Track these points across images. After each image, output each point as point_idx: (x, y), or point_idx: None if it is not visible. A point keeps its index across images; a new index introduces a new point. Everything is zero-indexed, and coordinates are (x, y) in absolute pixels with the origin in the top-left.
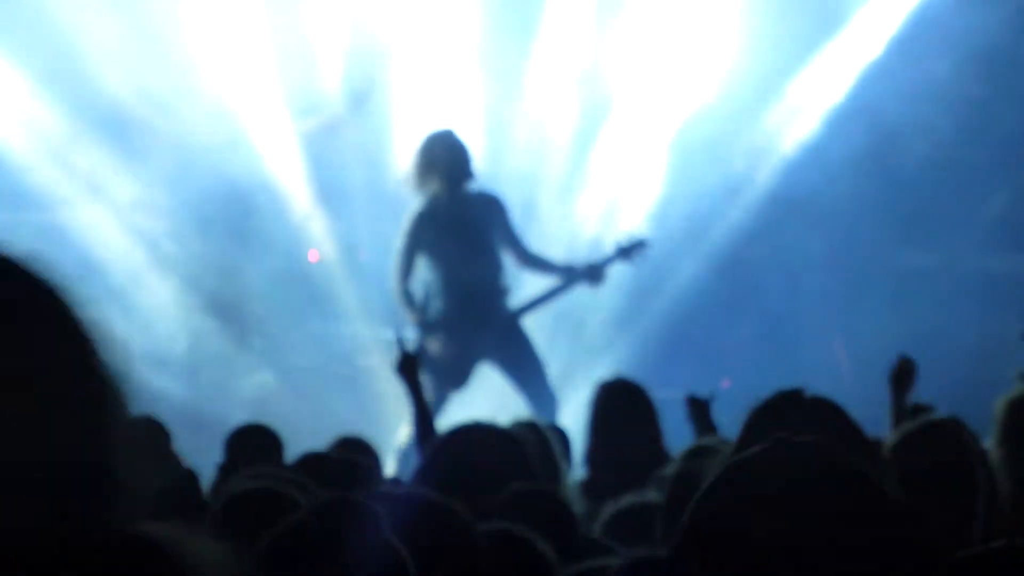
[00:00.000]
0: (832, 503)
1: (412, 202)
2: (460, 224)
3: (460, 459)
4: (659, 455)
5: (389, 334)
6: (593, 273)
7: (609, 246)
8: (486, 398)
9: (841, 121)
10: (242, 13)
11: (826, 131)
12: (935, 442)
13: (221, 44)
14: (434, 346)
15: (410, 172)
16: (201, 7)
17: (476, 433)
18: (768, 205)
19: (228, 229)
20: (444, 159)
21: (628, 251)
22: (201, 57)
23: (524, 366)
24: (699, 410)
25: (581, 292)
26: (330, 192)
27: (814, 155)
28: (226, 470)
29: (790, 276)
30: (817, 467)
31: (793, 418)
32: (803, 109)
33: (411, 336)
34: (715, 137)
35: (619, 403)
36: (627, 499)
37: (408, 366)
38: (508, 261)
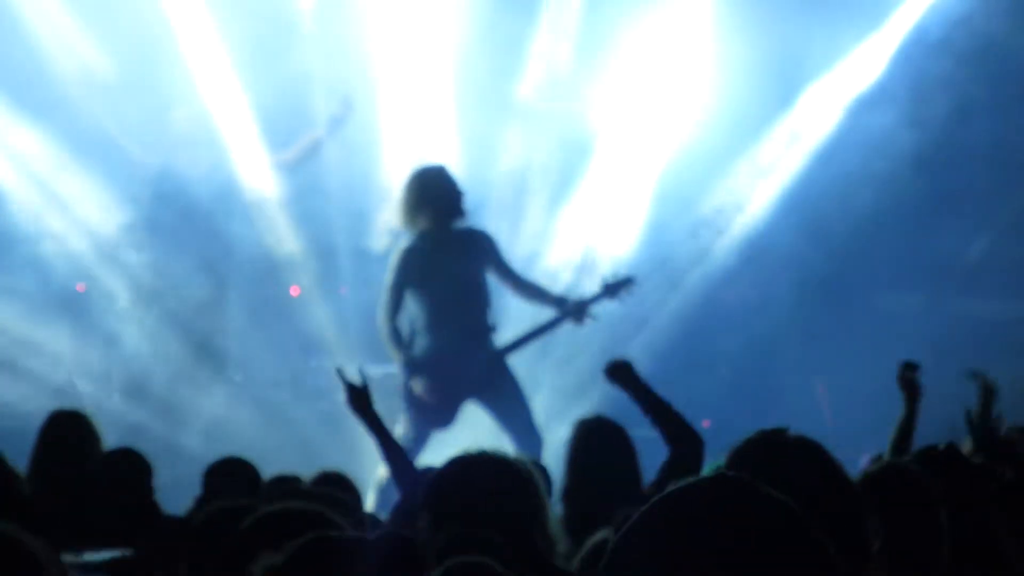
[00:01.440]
0: (750, 540)
1: (395, 239)
2: (449, 261)
3: (461, 490)
4: (637, 492)
5: (378, 367)
6: (579, 310)
7: (594, 285)
8: (468, 436)
9: (816, 168)
10: (220, 42)
11: (799, 180)
12: (901, 483)
13: (203, 72)
14: (419, 384)
15: (399, 206)
16: (181, 32)
17: (479, 462)
18: (746, 247)
19: (208, 261)
20: (435, 195)
21: (615, 288)
22: (183, 85)
23: (510, 405)
24: (623, 373)
25: (565, 330)
26: (312, 225)
27: (790, 200)
28: (204, 502)
29: (769, 316)
30: (742, 503)
31: (774, 457)
32: (778, 157)
33: (361, 370)
34: (689, 183)
35: (597, 441)
36: (602, 534)
37: (358, 400)
38: (505, 289)
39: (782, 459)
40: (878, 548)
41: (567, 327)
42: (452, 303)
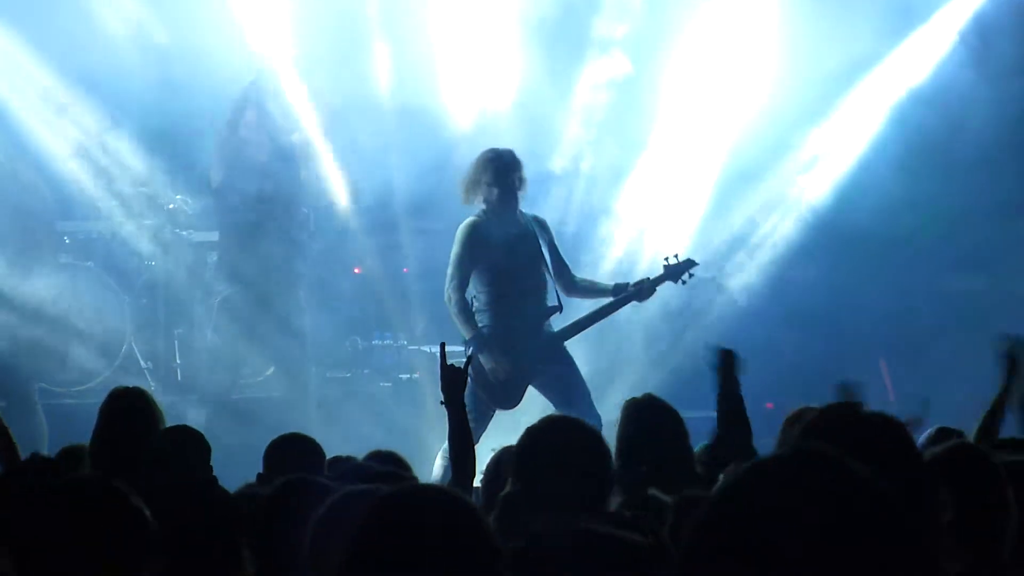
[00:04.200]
0: (839, 515)
1: (459, 215)
2: (513, 239)
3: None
4: (688, 473)
5: (434, 348)
6: (641, 291)
7: (658, 266)
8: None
9: (881, 150)
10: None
11: (864, 162)
12: (963, 462)
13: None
14: (488, 361)
15: (466, 182)
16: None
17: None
18: (816, 225)
19: (275, 241)
20: (502, 174)
21: (677, 271)
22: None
23: (569, 387)
24: (726, 361)
25: (619, 313)
26: (376, 205)
27: (861, 176)
28: (265, 480)
29: (836, 297)
30: (829, 477)
31: (848, 431)
32: (843, 138)
33: (461, 351)
34: (756, 161)
35: (649, 420)
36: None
37: (454, 381)
38: (556, 282)
39: (855, 433)
40: (948, 521)
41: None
42: (517, 281)
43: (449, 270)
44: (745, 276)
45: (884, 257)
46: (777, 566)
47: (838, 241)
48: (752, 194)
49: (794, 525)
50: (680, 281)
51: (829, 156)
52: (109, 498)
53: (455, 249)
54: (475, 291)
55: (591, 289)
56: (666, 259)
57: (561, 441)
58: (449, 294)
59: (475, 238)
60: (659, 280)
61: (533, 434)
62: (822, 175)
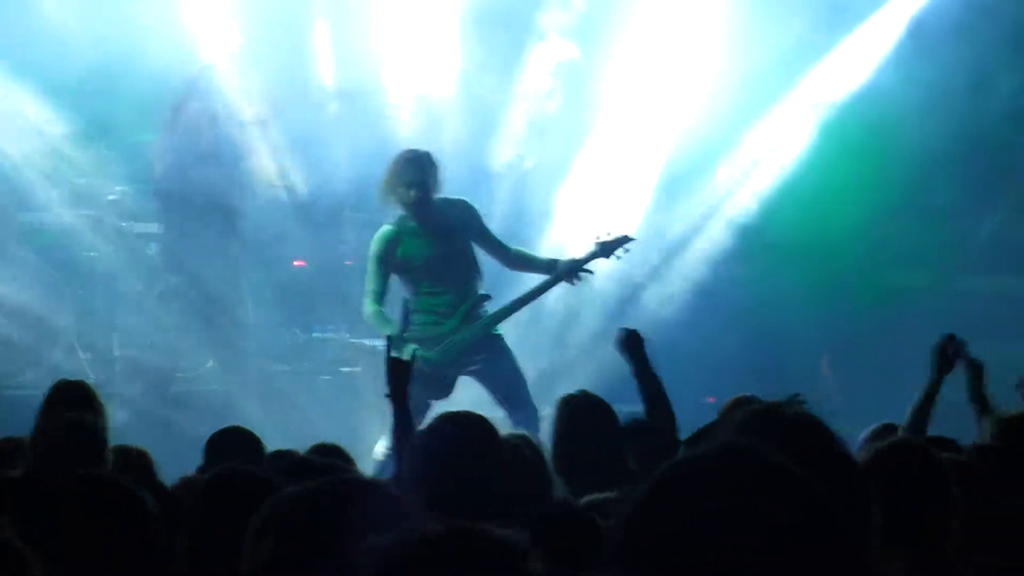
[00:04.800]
0: (769, 513)
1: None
2: (435, 234)
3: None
4: (622, 468)
5: (381, 342)
6: (572, 269)
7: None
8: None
9: (822, 146)
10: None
11: (805, 160)
12: (908, 459)
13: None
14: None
15: (383, 185)
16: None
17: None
18: (756, 223)
19: (217, 232)
20: (411, 170)
21: (610, 247)
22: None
23: (506, 378)
24: (630, 341)
25: (562, 302)
26: (319, 197)
27: (794, 179)
28: (205, 472)
29: (775, 292)
30: (756, 472)
31: (772, 430)
32: (782, 140)
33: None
34: (697, 162)
35: (582, 417)
36: (590, 496)
37: (400, 374)
38: (492, 258)
39: (780, 432)
40: (881, 522)
41: (562, 295)
42: (440, 277)
43: (365, 282)
44: (684, 273)
45: (824, 254)
46: (705, 566)
47: (777, 238)
48: (692, 191)
49: (723, 523)
50: (614, 256)
51: (768, 153)
52: (118, 497)
53: (369, 262)
54: (405, 294)
55: (529, 263)
56: (598, 237)
57: (446, 444)
58: (363, 307)
59: (387, 248)
60: (590, 257)
61: (425, 434)
62: (762, 173)
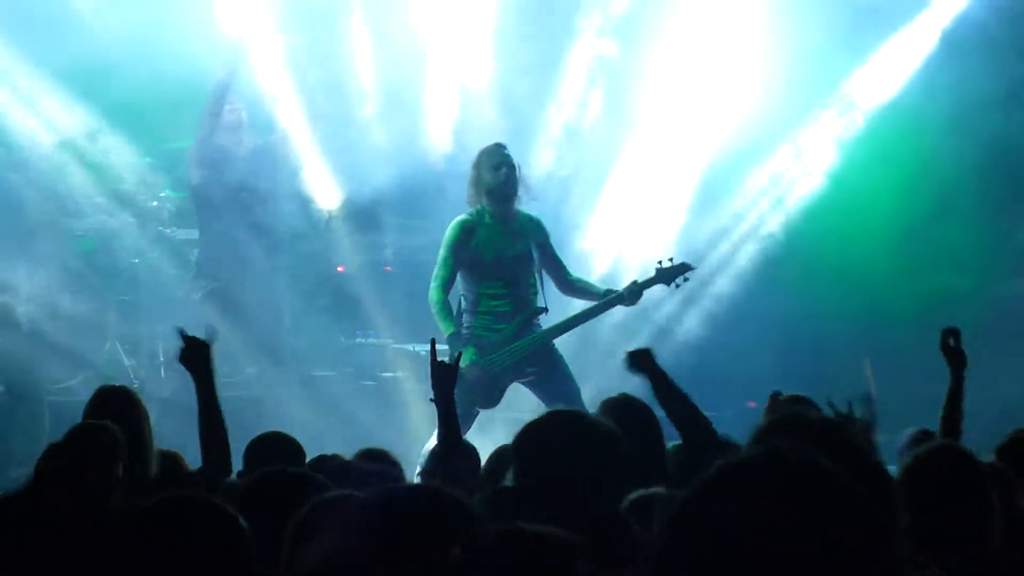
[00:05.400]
0: (811, 515)
1: (442, 213)
2: (503, 240)
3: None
4: (661, 472)
5: (423, 346)
6: (632, 293)
7: (648, 270)
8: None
9: (862, 151)
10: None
11: (845, 163)
12: (948, 464)
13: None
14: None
15: (470, 181)
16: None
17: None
18: (795, 229)
19: (256, 238)
20: (498, 154)
21: (670, 274)
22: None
23: (561, 388)
24: (642, 363)
25: (612, 313)
26: (359, 202)
27: (836, 183)
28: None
29: (817, 296)
30: (802, 477)
31: (796, 435)
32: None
33: (447, 347)
34: (735, 164)
35: (623, 421)
36: (636, 493)
37: (445, 377)
38: (552, 280)
39: (803, 437)
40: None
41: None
42: (503, 282)
43: (435, 268)
44: (724, 279)
45: (862, 260)
46: (748, 568)
47: (814, 246)
48: (729, 200)
49: (765, 526)
50: (674, 285)
51: (804, 161)
52: (211, 517)
53: (441, 248)
54: (462, 290)
55: (584, 291)
56: (659, 262)
57: (560, 436)
58: (431, 293)
59: (461, 238)
60: (649, 283)
61: (532, 428)
62: (802, 177)
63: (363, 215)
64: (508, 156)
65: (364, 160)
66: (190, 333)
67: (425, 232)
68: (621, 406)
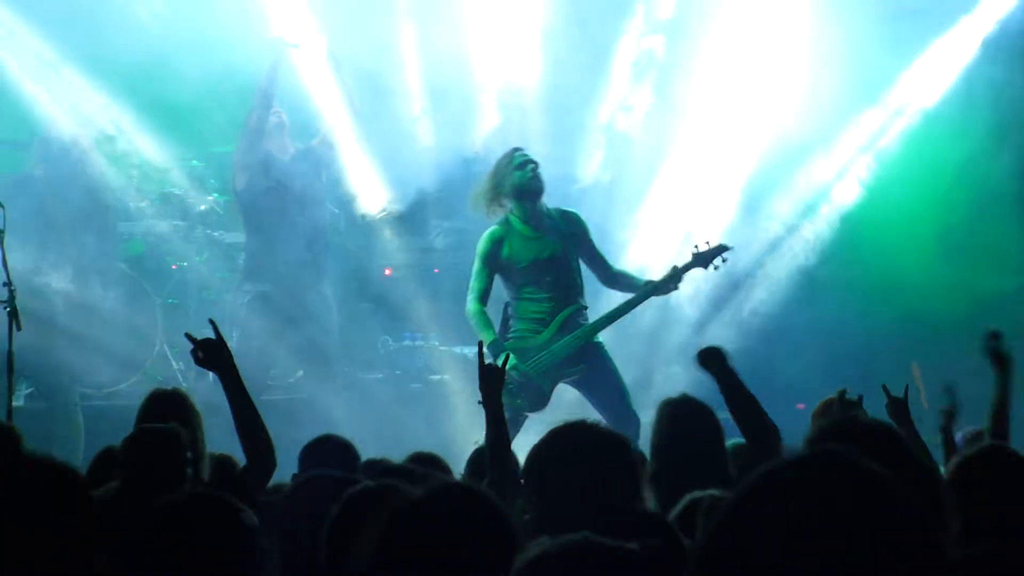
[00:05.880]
0: (860, 518)
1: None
2: (541, 238)
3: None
4: (722, 474)
5: (470, 349)
6: (670, 279)
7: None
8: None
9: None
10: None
11: (898, 158)
12: (997, 465)
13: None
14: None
15: (480, 194)
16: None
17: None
18: (841, 226)
19: (302, 242)
20: (520, 156)
21: (707, 257)
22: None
23: (605, 386)
24: (710, 361)
25: (655, 310)
26: (403, 203)
27: (886, 182)
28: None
29: (865, 298)
30: (850, 478)
31: (848, 439)
32: (882, 132)
33: (493, 350)
34: (785, 162)
35: (684, 422)
36: (691, 495)
37: (493, 380)
38: (594, 274)
39: (855, 440)
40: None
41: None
42: (541, 284)
43: (470, 281)
44: (773, 279)
45: (910, 259)
46: (793, 571)
47: (857, 249)
48: (781, 197)
49: (810, 529)
50: (712, 267)
51: (850, 164)
52: (221, 515)
53: (475, 261)
54: (507, 297)
55: (628, 283)
56: (695, 246)
57: (572, 448)
58: (468, 305)
59: (493, 249)
60: (687, 268)
61: (550, 439)
62: (850, 177)
63: (409, 217)
64: (529, 155)
65: (409, 161)
66: (214, 335)
67: (472, 234)
68: (681, 407)
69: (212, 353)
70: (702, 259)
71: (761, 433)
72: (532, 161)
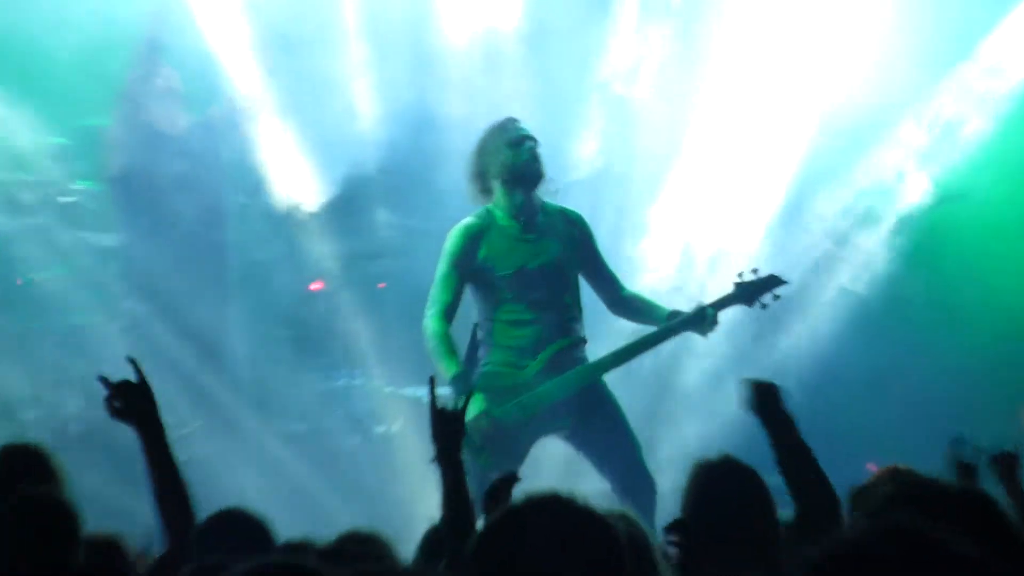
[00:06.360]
0: None
1: (455, 207)
2: (533, 239)
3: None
4: (774, 557)
5: (421, 390)
6: (703, 318)
7: (727, 286)
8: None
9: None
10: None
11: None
12: None
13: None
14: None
15: (472, 172)
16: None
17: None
18: (911, 234)
19: (197, 245)
20: (514, 128)
21: (753, 290)
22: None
23: (612, 442)
24: (765, 400)
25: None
26: (339, 192)
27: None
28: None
29: (948, 326)
30: (929, 560)
31: (931, 511)
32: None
33: (450, 392)
34: (837, 162)
35: (725, 490)
36: None
37: (450, 428)
38: (597, 295)
39: (940, 509)
40: None
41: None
42: (529, 304)
43: (432, 290)
44: (821, 302)
45: (1007, 277)
46: None
47: (945, 256)
48: (830, 203)
49: None
50: (758, 304)
51: (924, 156)
52: None
53: (440, 263)
54: (476, 316)
55: (642, 311)
56: (739, 275)
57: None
58: (426, 322)
59: (466, 247)
60: (725, 302)
61: (507, 520)
62: (915, 179)
63: (344, 210)
64: (527, 129)
65: (345, 135)
66: (117, 376)
67: (434, 235)
68: (722, 471)
69: (133, 399)
70: (747, 293)
71: (818, 503)
72: (531, 137)
